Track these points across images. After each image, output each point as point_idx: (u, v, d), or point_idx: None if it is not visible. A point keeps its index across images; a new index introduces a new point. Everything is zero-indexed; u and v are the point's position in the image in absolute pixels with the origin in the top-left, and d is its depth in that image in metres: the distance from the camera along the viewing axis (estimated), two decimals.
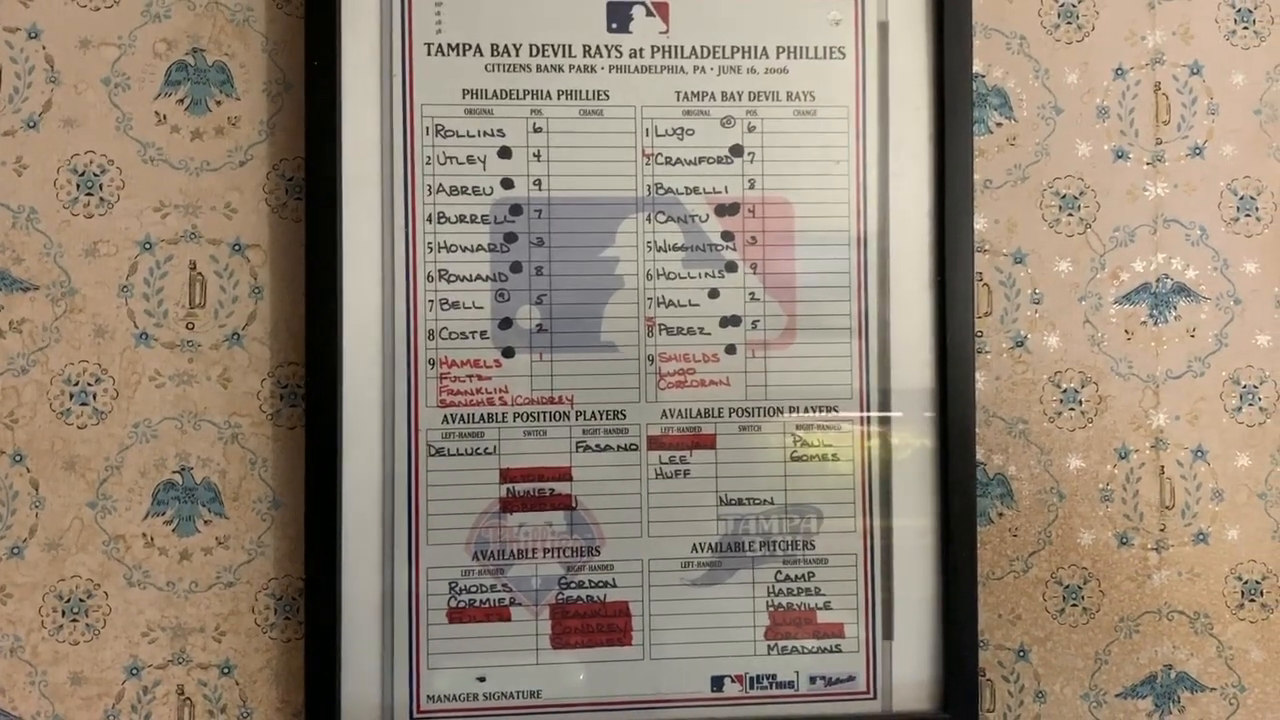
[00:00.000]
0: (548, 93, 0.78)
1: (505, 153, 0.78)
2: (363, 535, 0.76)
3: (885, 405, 0.81)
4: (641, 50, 0.79)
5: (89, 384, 0.77)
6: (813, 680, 0.80)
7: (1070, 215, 0.85)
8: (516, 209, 0.78)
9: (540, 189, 0.78)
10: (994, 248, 0.85)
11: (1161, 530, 0.86)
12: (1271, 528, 0.86)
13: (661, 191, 0.79)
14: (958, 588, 0.79)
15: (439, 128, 0.78)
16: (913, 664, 0.80)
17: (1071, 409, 0.85)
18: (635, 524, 0.78)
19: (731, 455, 0.79)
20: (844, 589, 0.80)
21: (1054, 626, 0.84)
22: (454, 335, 0.77)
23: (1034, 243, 0.85)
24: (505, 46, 0.78)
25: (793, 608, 0.79)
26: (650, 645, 0.78)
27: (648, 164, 0.79)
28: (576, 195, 0.78)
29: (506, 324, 0.78)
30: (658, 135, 0.79)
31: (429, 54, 0.78)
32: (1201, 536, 0.86)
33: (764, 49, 0.80)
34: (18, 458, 0.76)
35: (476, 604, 0.77)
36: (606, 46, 0.79)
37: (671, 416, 0.79)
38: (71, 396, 0.77)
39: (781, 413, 0.80)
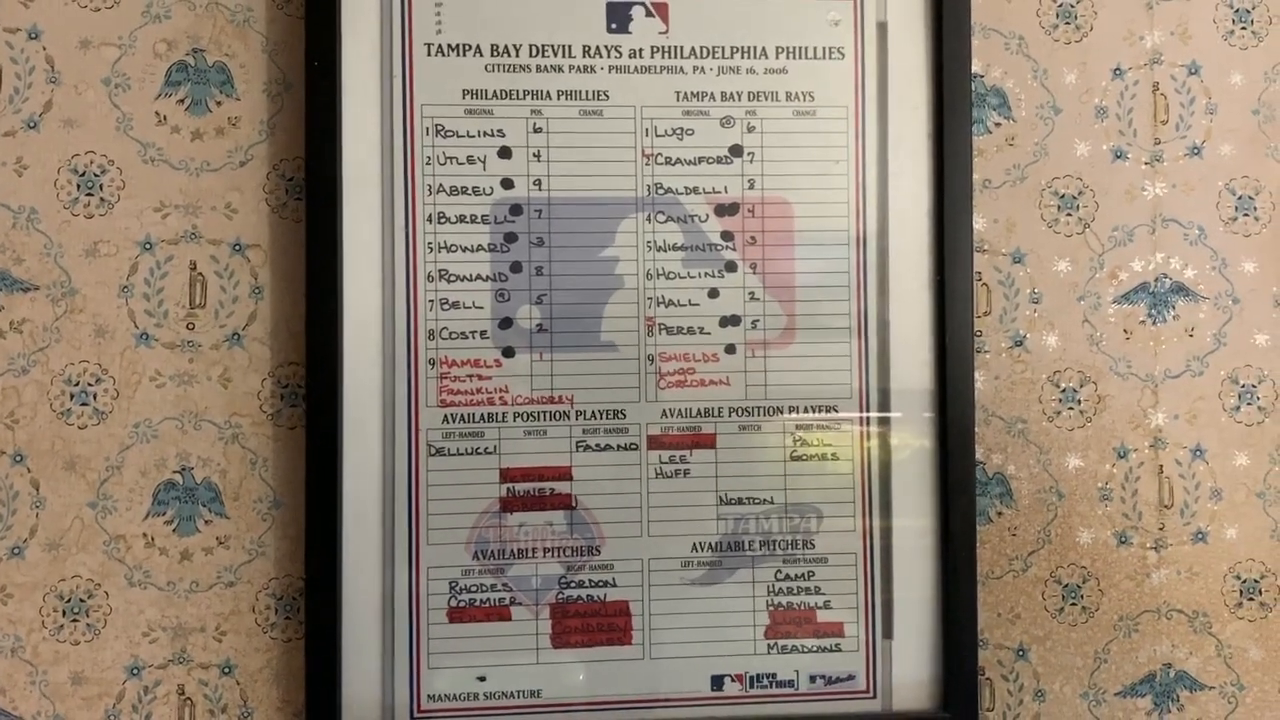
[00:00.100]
0: (548, 93, 0.78)
1: (505, 153, 0.78)
2: (363, 535, 0.76)
3: (885, 405, 0.81)
4: (641, 50, 0.79)
5: (89, 384, 0.77)
6: (813, 679, 0.80)
7: (1069, 215, 0.85)
8: (516, 209, 0.78)
9: (540, 189, 0.78)
10: (993, 247, 0.85)
11: (1160, 529, 0.86)
12: (1270, 527, 0.86)
13: (661, 191, 0.79)
14: (957, 587, 0.79)
15: (439, 128, 0.78)
16: (912, 663, 0.80)
17: (1070, 408, 0.85)
18: (635, 523, 0.78)
19: (731, 455, 0.79)
20: (844, 588, 0.80)
21: (1053, 625, 0.85)
22: (454, 335, 0.78)
23: (1033, 242, 0.85)
24: (505, 47, 0.78)
25: (793, 607, 0.80)
26: (650, 644, 0.78)
27: (647, 164, 0.79)
28: (576, 195, 0.79)
29: (507, 324, 0.78)
30: (657, 135, 0.79)
31: (429, 54, 0.78)
32: (1200, 535, 0.86)
33: (763, 49, 0.80)
34: (18, 458, 0.76)
35: (477, 603, 0.77)
36: (606, 47, 0.79)
37: (671, 416, 0.79)
38: (72, 397, 0.77)
39: (781, 412, 0.80)
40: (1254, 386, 0.87)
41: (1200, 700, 0.86)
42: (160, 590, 0.77)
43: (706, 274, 0.80)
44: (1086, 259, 0.85)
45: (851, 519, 0.80)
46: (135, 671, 0.77)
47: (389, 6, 0.77)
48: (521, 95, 0.78)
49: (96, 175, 0.77)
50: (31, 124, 0.77)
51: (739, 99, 0.80)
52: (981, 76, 0.85)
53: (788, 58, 0.80)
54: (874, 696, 0.80)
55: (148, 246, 0.78)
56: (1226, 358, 0.86)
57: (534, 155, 0.78)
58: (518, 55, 0.78)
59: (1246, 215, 0.87)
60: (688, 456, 0.79)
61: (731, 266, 0.80)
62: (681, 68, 0.80)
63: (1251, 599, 0.86)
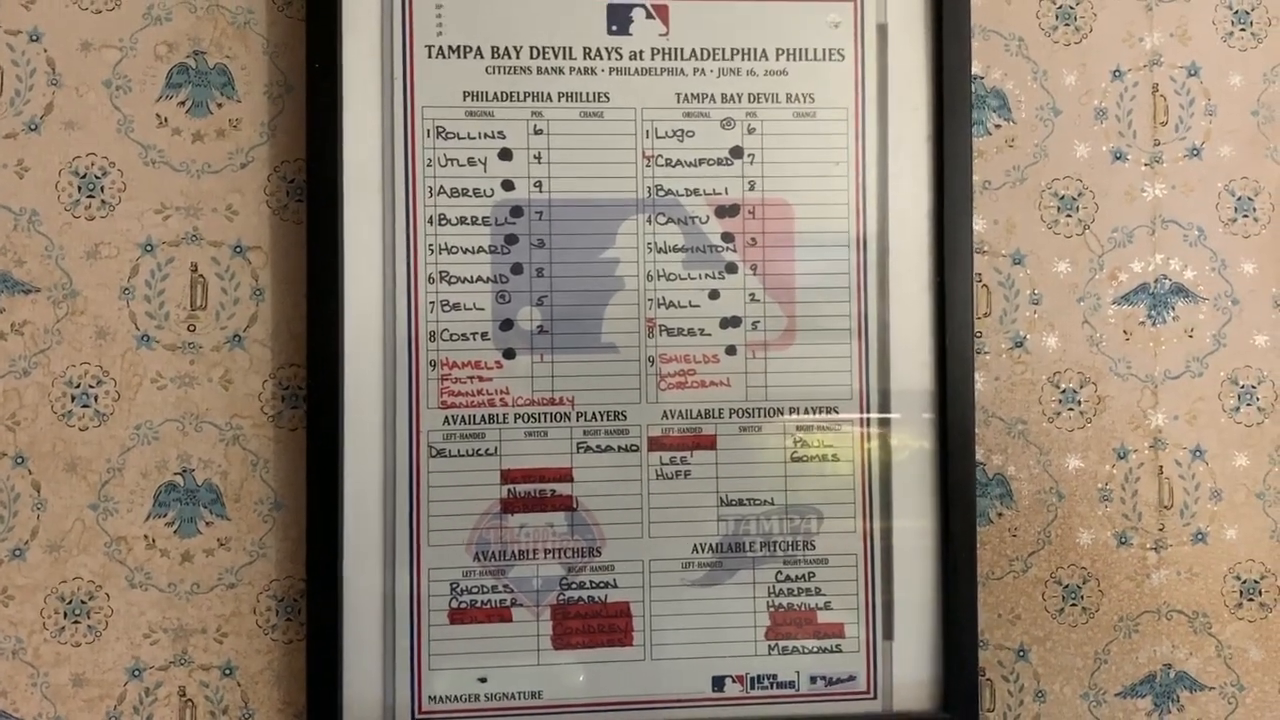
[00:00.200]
0: (548, 95, 0.79)
1: (506, 154, 0.78)
2: (364, 536, 0.76)
3: (885, 406, 0.81)
4: (641, 52, 0.79)
5: (90, 386, 0.77)
6: (813, 680, 0.80)
7: (1069, 216, 0.86)
8: (517, 211, 0.78)
9: (541, 191, 0.78)
10: (993, 249, 0.85)
11: (1160, 530, 0.86)
12: (1270, 527, 0.87)
13: (662, 193, 0.79)
14: (957, 588, 0.79)
15: (440, 130, 0.78)
16: (913, 664, 0.80)
17: (1070, 409, 0.85)
18: (636, 524, 0.79)
19: (732, 456, 0.79)
20: (844, 589, 0.80)
21: (1053, 626, 0.85)
22: (455, 337, 0.78)
23: (1033, 244, 0.85)
24: (506, 49, 0.78)
25: (793, 608, 0.80)
26: (651, 645, 0.79)
27: (648, 166, 0.79)
28: (577, 197, 0.79)
29: (507, 325, 0.78)
30: (658, 137, 0.79)
31: (430, 56, 0.78)
32: (1200, 536, 0.86)
33: (763, 51, 0.80)
34: (19, 460, 0.76)
35: (478, 605, 0.77)
36: (607, 49, 0.79)
37: (672, 417, 0.79)
38: (73, 398, 0.77)
39: (782, 414, 0.80)
40: (1253, 387, 0.87)
41: (1200, 701, 0.86)
42: (161, 592, 0.77)
43: (707, 275, 0.80)
44: (1086, 260, 0.86)
45: (852, 520, 0.80)
46: (136, 673, 0.77)
47: (389, 8, 0.78)
48: (522, 97, 0.78)
49: (97, 177, 0.77)
50: (32, 126, 0.77)
51: (739, 101, 0.80)
52: (981, 78, 0.85)
53: (788, 59, 0.80)
54: (874, 697, 0.80)
55: (149, 248, 0.78)
56: (1226, 358, 0.87)
57: (535, 157, 0.78)
58: (518, 57, 0.79)
59: (1246, 216, 0.87)
60: (688, 458, 0.79)
61: (732, 268, 0.80)
62: (682, 69, 0.80)
63: (1251, 599, 0.86)
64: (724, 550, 0.79)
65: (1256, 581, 0.86)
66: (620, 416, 0.79)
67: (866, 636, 0.80)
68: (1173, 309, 0.86)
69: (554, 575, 0.78)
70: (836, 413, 0.80)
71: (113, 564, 0.77)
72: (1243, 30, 0.88)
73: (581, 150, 0.79)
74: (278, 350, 0.78)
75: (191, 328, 0.78)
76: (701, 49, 0.80)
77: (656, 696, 0.78)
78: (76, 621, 0.76)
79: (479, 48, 0.78)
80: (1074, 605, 0.85)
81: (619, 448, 0.79)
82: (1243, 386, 0.87)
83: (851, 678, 0.80)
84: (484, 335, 0.78)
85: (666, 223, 0.79)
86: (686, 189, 0.80)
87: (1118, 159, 0.86)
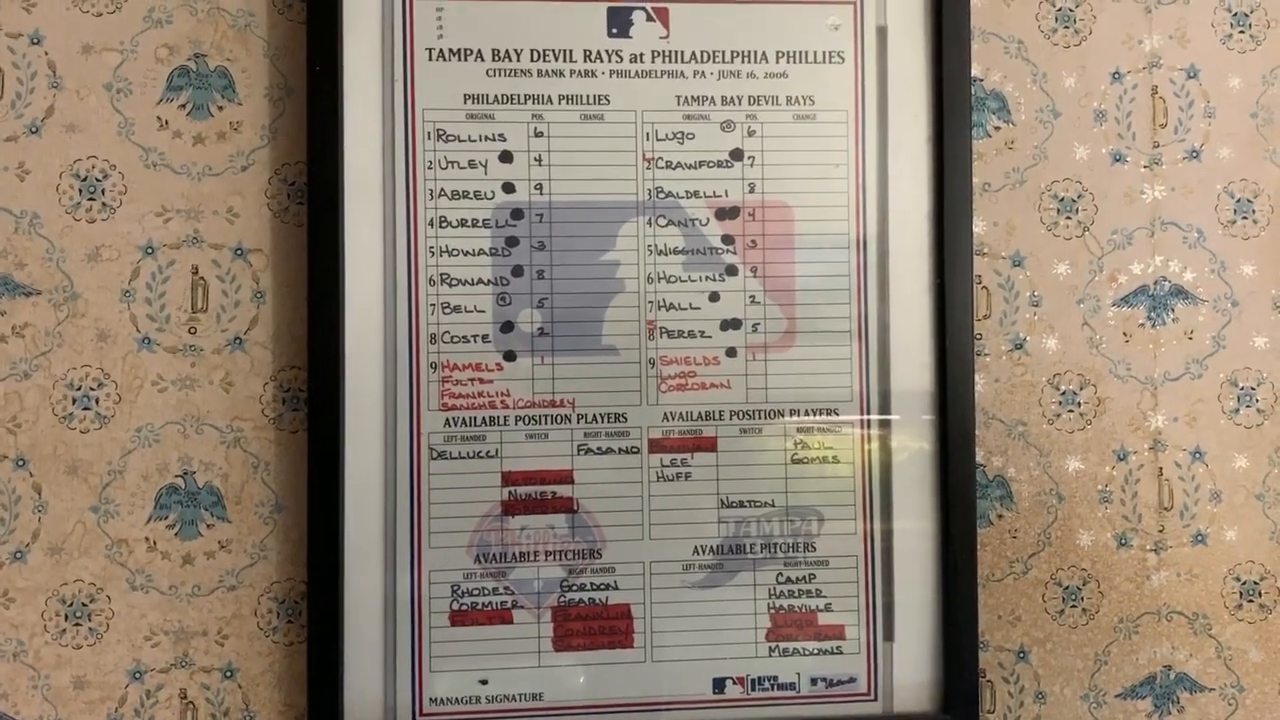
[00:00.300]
0: (549, 97, 0.79)
1: (506, 157, 0.78)
2: (365, 538, 0.76)
3: (885, 408, 0.81)
4: (642, 55, 0.79)
5: (91, 388, 0.77)
6: (814, 682, 0.80)
7: (1068, 218, 0.86)
8: (518, 213, 0.78)
9: (541, 193, 0.78)
10: (993, 250, 0.85)
11: (1160, 531, 0.86)
12: (1269, 528, 0.87)
13: (662, 195, 0.79)
14: (958, 589, 0.79)
15: (440, 132, 0.78)
16: (913, 665, 0.80)
17: (1070, 411, 0.85)
18: (636, 526, 0.79)
19: (732, 458, 0.79)
20: (845, 591, 0.80)
21: (1054, 627, 0.85)
22: (455, 339, 0.78)
23: (1032, 245, 0.85)
24: (506, 51, 0.79)
25: (794, 610, 0.80)
26: (652, 647, 0.79)
27: (648, 168, 0.79)
28: (577, 199, 0.79)
29: (508, 327, 0.78)
30: (658, 139, 0.79)
31: (430, 59, 0.78)
32: (1200, 537, 0.86)
33: (763, 54, 0.80)
34: (20, 462, 0.76)
35: (478, 607, 0.77)
36: (607, 51, 0.79)
37: (672, 419, 0.79)
38: (74, 401, 0.77)
39: (782, 415, 0.80)
40: (1253, 389, 0.87)
41: (1200, 702, 0.86)
42: (162, 594, 0.77)
43: (707, 278, 0.80)
44: (1086, 262, 0.86)
45: (852, 522, 0.80)
46: (137, 675, 0.77)
47: (390, 11, 0.78)
48: (523, 99, 0.79)
49: (98, 180, 0.77)
50: (33, 129, 0.77)
51: (739, 103, 0.80)
52: (981, 80, 0.85)
53: (788, 62, 0.81)
54: (875, 699, 0.80)
55: (149, 251, 0.78)
56: (1225, 360, 0.87)
57: (535, 159, 0.79)
58: (519, 60, 0.79)
59: (1245, 218, 0.87)
60: (689, 460, 0.79)
61: (732, 270, 0.80)
62: (682, 72, 0.80)
63: (1251, 601, 0.86)
64: (725, 552, 0.79)
65: (1256, 583, 0.86)
66: (621, 418, 0.79)
67: (867, 638, 0.80)
68: (1172, 311, 0.86)
69: (555, 577, 0.78)
70: (837, 414, 0.81)
71: (114, 566, 0.77)
72: (1241, 32, 0.88)
73: (582, 153, 0.79)
74: (279, 353, 0.79)
75: (192, 330, 0.78)
76: (702, 51, 0.80)
77: (657, 698, 0.78)
78: (78, 624, 0.77)
79: (479, 50, 0.78)
80: (1074, 607, 0.85)
81: (620, 450, 0.79)
82: (1242, 388, 0.87)
83: (852, 679, 0.80)
84: (485, 337, 0.78)
85: (667, 225, 0.79)
86: (687, 191, 0.80)
87: (1117, 161, 0.86)
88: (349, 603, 0.75)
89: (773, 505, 0.80)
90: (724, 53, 0.80)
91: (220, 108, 0.79)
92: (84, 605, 0.77)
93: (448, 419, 0.77)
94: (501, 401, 0.78)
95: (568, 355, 0.78)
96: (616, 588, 0.78)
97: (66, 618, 0.76)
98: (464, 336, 0.78)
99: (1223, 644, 0.86)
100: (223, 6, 0.79)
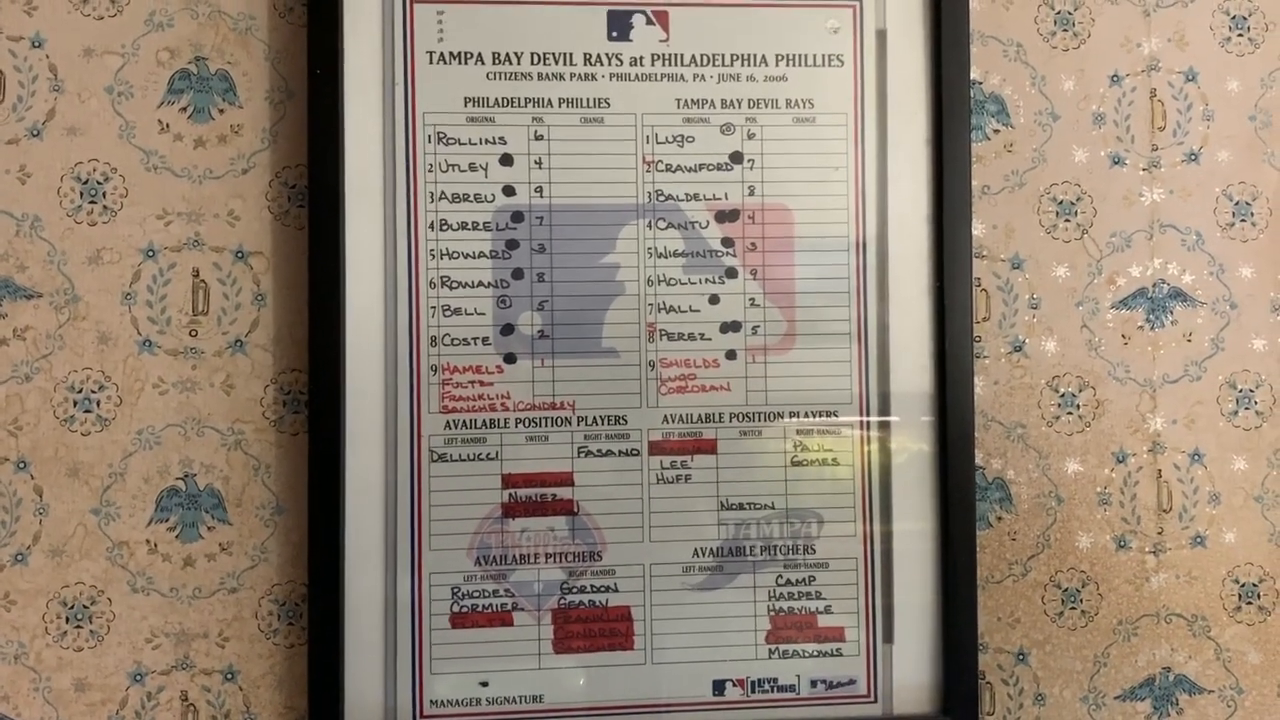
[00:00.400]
0: (549, 100, 0.79)
1: (507, 160, 0.79)
2: (365, 541, 0.76)
3: (885, 410, 0.81)
4: (642, 58, 0.80)
5: (92, 391, 0.77)
6: (814, 684, 0.80)
7: (1067, 221, 0.86)
8: (518, 216, 0.79)
9: (542, 196, 0.79)
10: (992, 253, 0.85)
11: (1159, 533, 0.86)
12: (1268, 530, 0.87)
13: (662, 198, 0.80)
14: (957, 591, 0.79)
15: (441, 135, 0.78)
16: (913, 667, 0.80)
17: (1069, 413, 0.85)
18: (637, 529, 0.79)
19: (732, 460, 0.80)
20: (844, 593, 0.80)
21: (1053, 629, 0.85)
22: (456, 341, 0.78)
23: (1031, 248, 0.85)
24: (506, 55, 0.79)
25: (793, 612, 0.80)
26: (652, 649, 0.79)
27: (648, 171, 0.80)
28: (577, 202, 0.79)
29: (508, 330, 0.78)
30: (658, 142, 0.80)
31: (431, 62, 0.78)
32: (1199, 539, 0.86)
33: (763, 57, 0.80)
34: (21, 465, 0.77)
35: (479, 609, 0.77)
36: (607, 55, 0.79)
37: (672, 422, 0.79)
38: (75, 404, 0.77)
39: (782, 418, 0.80)
40: (1252, 391, 0.87)
41: (1199, 704, 0.86)
42: (163, 596, 0.77)
43: (707, 280, 0.80)
44: (1085, 264, 0.86)
45: (852, 524, 0.80)
46: (138, 678, 0.77)
47: (391, 14, 0.78)
48: (523, 103, 0.79)
49: (99, 183, 0.78)
50: (35, 132, 0.77)
51: (739, 106, 0.80)
52: (980, 83, 0.85)
53: (787, 65, 0.81)
54: (875, 701, 0.80)
55: (150, 254, 0.78)
56: (1224, 363, 0.87)
57: (535, 162, 0.79)
58: (519, 63, 0.79)
59: (1244, 221, 0.87)
60: (689, 462, 0.79)
61: (732, 272, 0.80)
62: (682, 75, 0.80)
63: (1250, 602, 0.87)
64: (724, 554, 0.79)
65: (1255, 585, 0.87)
66: (621, 421, 0.79)
67: (866, 640, 0.80)
68: (1171, 313, 0.87)
69: (555, 579, 0.78)
70: (836, 417, 0.81)
71: (115, 569, 0.77)
72: (1240, 35, 0.88)
73: (582, 155, 0.79)
74: (279, 355, 0.79)
75: (193, 333, 0.78)
76: (701, 55, 0.80)
77: (657, 700, 0.79)
78: (78, 626, 0.77)
79: (480, 54, 0.79)
80: (1073, 609, 0.85)
81: (620, 452, 0.79)
82: (1241, 390, 0.87)
83: (852, 681, 0.80)
84: (485, 340, 0.78)
85: (667, 228, 0.80)
86: (686, 194, 0.80)
87: (1116, 164, 0.86)
88: (349, 605, 0.75)
89: (772, 507, 0.80)
90: (724, 56, 0.80)
91: (221, 111, 0.79)
92: (85, 607, 0.77)
93: (448, 421, 0.78)
94: (502, 404, 0.78)
95: (568, 358, 0.79)
96: (616, 590, 0.79)
97: (67, 620, 0.77)
98: (464, 339, 0.78)
99: (1222, 646, 0.86)
100: (223, 10, 0.79)
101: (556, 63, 0.79)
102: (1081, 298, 0.86)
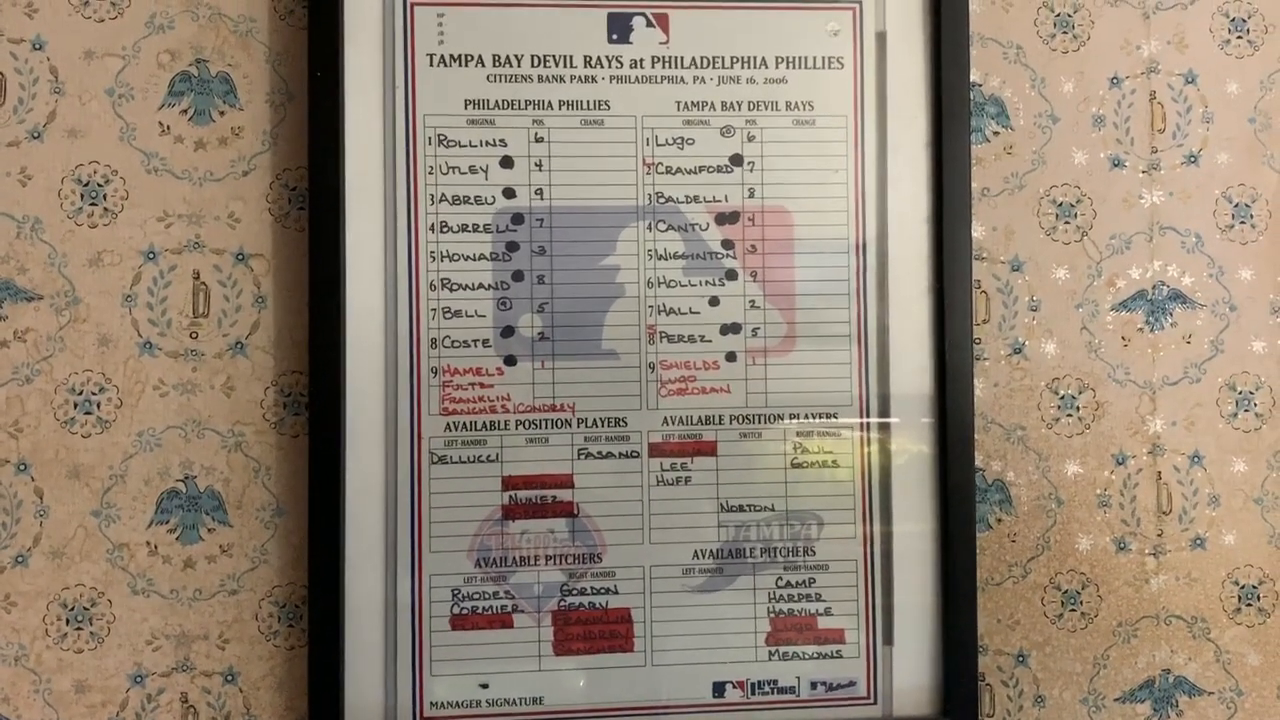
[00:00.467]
0: (549, 103, 0.79)
1: (507, 162, 0.79)
2: (366, 543, 0.76)
3: (885, 411, 0.81)
4: (642, 61, 0.80)
5: (93, 393, 0.77)
6: (814, 686, 0.80)
7: (1067, 223, 0.86)
8: (518, 218, 0.79)
9: (542, 198, 0.79)
10: (992, 255, 0.85)
11: (1159, 535, 0.86)
12: (1268, 532, 0.87)
13: (662, 200, 0.80)
14: (957, 593, 0.79)
15: (441, 137, 0.78)
16: (913, 669, 0.80)
17: (1069, 415, 0.85)
18: (637, 531, 0.79)
19: (732, 462, 0.80)
20: (844, 595, 0.80)
21: (1053, 631, 0.85)
22: (456, 343, 0.78)
23: (1031, 250, 0.86)
24: (507, 57, 0.79)
25: (793, 614, 0.80)
26: (652, 651, 0.79)
27: (648, 173, 0.80)
28: (578, 204, 0.79)
29: (508, 332, 0.78)
30: (658, 145, 0.80)
31: (431, 64, 0.78)
32: (1199, 541, 0.86)
33: (763, 59, 0.81)
34: (22, 467, 0.77)
35: (479, 611, 0.77)
36: (607, 57, 0.80)
37: (672, 424, 0.79)
38: (76, 406, 0.77)
39: (782, 419, 0.80)
40: (1251, 393, 0.87)
41: (1199, 705, 0.86)
42: (163, 598, 0.77)
43: (707, 282, 0.80)
44: (1084, 267, 0.86)
45: (852, 526, 0.80)
46: (139, 679, 0.77)
47: (391, 17, 0.78)
48: (523, 105, 0.79)
49: (100, 185, 0.78)
50: (35, 134, 0.77)
51: (739, 108, 0.80)
52: (980, 85, 0.85)
53: (787, 67, 0.81)
54: (875, 702, 0.80)
55: (151, 256, 0.78)
56: (1224, 365, 0.87)
57: (535, 164, 0.79)
58: (519, 65, 0.79)
59: (1243, 223, 0.88)
60: (689, 464, 0.79)
61: (732, 275, 0.80)
62: (682, 78, 0.80)
63: (1250, 604, 0.87)
64: (724, 556, 0.79)
65: (1255, 587, 0.87)
66: (621, 423, 0.79)
67: (866, 642, 0.80)
68: (1171, 315, 0.87)
69: (555, 581, 0.78)
70: (836, 418, 0.81)
71: (115, 570, 0.77)
72: (1239, 38, 0.88)
73: (582, 158, 0.79)
74: (280, 357, 0.79)
75: (194, 335, 0.78)
76: (701, 57, 0.80)
77: (657, 702, 0.79)
78: (79, 628, 0.77)
79: (480, 56, 0.79)
80: (1073, 610, 0.85)
81: (620, 454, 0.79)
82: (1240, 392, 0.87)
83: (852, 683, 0.80)
84: (485, 342, 0.78)
85: (667, 230, 0.80)
86: (686, 196, 0.80)
87: (1116, 166, 0.87)
88: (350, 607, 0.76)
89: (772, 509, 0.80)
90: (724, 58, 0.80)
91: (222, 113, 0.79)
92: (85, 609, 0.77)
93: (448, 423, 0.78)
94: (502, 406, 0.78)
95: (568, 360, 0.79)
96: (616, 592, 0.79)
97: (68, 622, 0.77)
98: (464, 341, 0.78)
99: (1221, 648, 0.86)
100: (224, 12, 0.79)
101: (557, 65, 0.79)
102: (1081, 300, 0.86)
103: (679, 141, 0.80)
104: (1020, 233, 0.85)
